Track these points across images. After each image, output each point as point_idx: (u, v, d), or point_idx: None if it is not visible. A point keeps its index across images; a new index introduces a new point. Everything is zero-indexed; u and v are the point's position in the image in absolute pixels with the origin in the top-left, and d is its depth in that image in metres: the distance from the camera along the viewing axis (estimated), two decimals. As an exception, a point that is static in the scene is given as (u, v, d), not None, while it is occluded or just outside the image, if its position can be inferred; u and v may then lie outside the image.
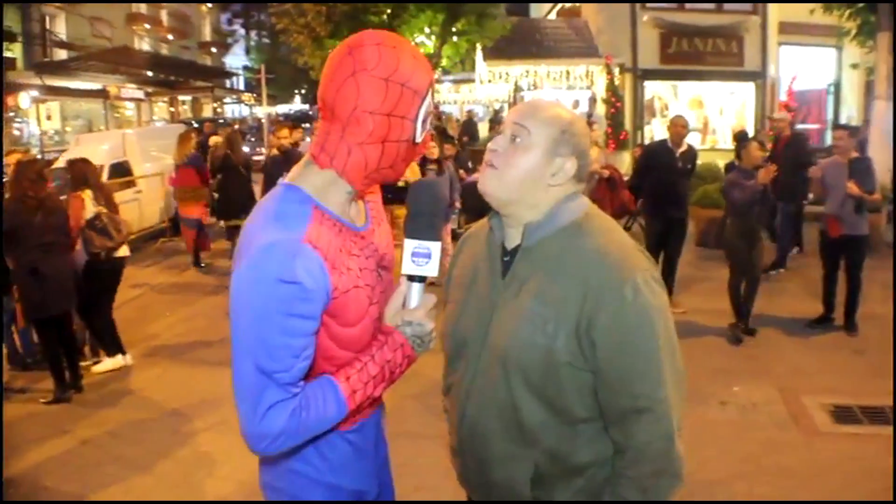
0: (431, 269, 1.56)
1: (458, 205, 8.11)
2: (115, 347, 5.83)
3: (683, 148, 7.00)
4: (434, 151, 7.39)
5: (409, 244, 1.55)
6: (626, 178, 9.21)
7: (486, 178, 1.59)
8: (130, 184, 10.86)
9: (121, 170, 10.79)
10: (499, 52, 15.77)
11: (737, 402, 4.90)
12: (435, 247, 1.56)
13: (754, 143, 6.45)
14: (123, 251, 5.83)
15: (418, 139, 1.53)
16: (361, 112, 1.43)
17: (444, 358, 1.77)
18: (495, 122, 15.48)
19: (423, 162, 7.38)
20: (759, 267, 6.30)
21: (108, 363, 5.78)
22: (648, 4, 15.72)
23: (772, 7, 15.53)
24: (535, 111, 1.60)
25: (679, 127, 7.04)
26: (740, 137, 10.20)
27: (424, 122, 1.52)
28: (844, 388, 5.07)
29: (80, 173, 5.70)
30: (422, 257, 1.55)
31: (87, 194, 5.55)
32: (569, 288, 1.50)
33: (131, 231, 6.12)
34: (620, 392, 1.48)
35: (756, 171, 6.04)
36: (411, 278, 1.56)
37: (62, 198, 5.74)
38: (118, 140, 11.49)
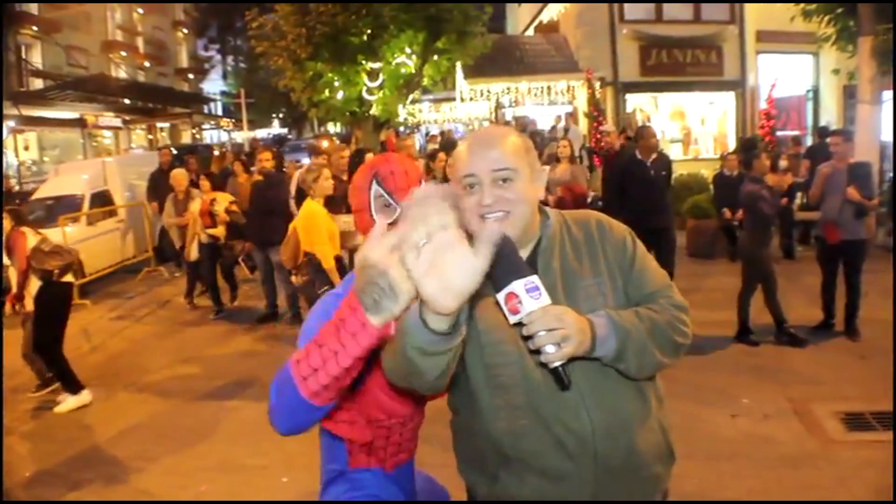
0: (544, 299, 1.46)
1: None
2: (75, 384, 5.61)
3: (654, 157, 6.96)
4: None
5: (518, 285, 1.44)
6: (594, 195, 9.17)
7: (503, 227, 1.57)
8: (112, 213, 10.67)
9: (102, 199, 10.63)
10: (479, 69, 15.72)
11: (748, 415, 4.79)
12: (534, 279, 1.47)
13: (764, 153, 6.47)
14: (69, 277, 5.71)
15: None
16: None
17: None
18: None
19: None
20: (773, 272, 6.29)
21: (71, 402, 5.56)
22: (627, 18, 15.79)
23: (749, 16, 15.65)
24: (499, 148, 1.61)
25: (648, 139, 7.01)
26: (748, 146, 10.05)
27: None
28: (853, 395, 5.00)
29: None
30: (533, 291, 1.45)
31: (27, 229, 5.58)
32: (594, 256, 1.74)
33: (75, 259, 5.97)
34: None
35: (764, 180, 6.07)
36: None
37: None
38: (98, 169, 11.29)
